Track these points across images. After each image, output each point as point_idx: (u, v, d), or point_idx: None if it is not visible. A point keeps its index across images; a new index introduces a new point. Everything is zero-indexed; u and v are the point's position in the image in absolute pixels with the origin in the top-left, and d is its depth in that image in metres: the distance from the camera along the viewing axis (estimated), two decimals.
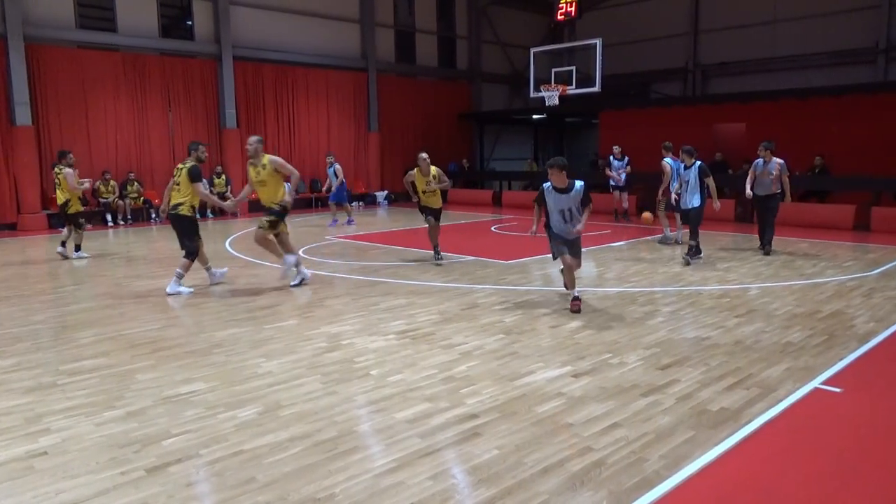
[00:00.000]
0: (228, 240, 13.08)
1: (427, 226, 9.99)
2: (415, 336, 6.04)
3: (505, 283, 8.33)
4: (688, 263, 9.41)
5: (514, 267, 9.60)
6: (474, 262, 9.93)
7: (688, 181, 9.69)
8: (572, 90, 18.12)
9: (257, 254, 11.07)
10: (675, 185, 10.41)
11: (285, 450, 3.72)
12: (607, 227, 14.38)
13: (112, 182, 16.28)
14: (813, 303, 7.14)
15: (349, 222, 15.63)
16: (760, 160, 10.10)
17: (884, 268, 9.21)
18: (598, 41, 17.59)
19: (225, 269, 8.96)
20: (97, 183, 16.00)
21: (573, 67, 18.39)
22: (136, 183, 16.76)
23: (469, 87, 25.26)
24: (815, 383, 4.69)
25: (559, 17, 19.37)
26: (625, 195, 15.67)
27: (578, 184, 6.75)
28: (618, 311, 6.88)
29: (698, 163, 9.63)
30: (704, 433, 3.88)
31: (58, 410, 4.35)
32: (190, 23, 18.15)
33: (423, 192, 9.71)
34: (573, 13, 18.90)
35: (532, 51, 19.46)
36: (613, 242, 12.05)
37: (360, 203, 21.37)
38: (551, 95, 18.20)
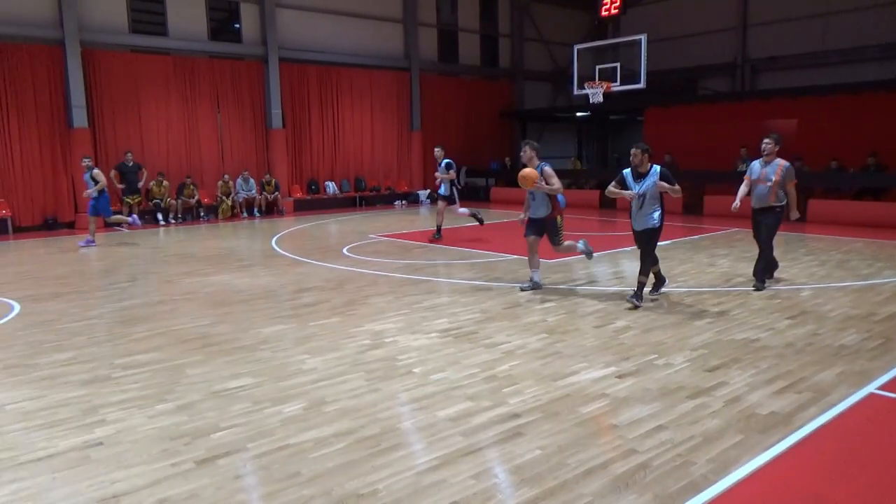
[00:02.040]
0: (274, 238, 13.32)
1: None
2: (457, 335, 6.05)
3: (548, 283, 8.27)
4: (635, 307, 6.96)
5: (557, 266, 9.53)
6: (517, 261, 9.89)
7: (644, 194, 6.99)
8: (616, 87, 17.85)
9: (303, 252, 11.27)
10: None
11: (329, 445, 3.78)
12: None
13: (165, 183, 16.69)
14: (869, 305, 6.90)
15: (88, 243, 12.48)
16: (756, 162, 7.85)
17: None
18: (642, 37, 17.27)
19: None
20: (151, 184, 16.46)
21: (617, 64, 18.11)
22: (192, 187, 17.20)
23: (511, 85, 25.15)
24: (871, 388, 4.54)
25: (603, 14, 19.12)
26: (440, 206, 12.37)
27: None
28: (664, 311, 6.76)
29: (657, 167, 7.01)
30: (753, 437, 3.79)
31: (113, 402, 4.50)
32: (238, 25, 18.53)
33: None
34: (617, 9, 18.64)
35: (575, 48, 19.21)
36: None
37: (404, 202, 21.52)
38: (595, 92, 17.96)
